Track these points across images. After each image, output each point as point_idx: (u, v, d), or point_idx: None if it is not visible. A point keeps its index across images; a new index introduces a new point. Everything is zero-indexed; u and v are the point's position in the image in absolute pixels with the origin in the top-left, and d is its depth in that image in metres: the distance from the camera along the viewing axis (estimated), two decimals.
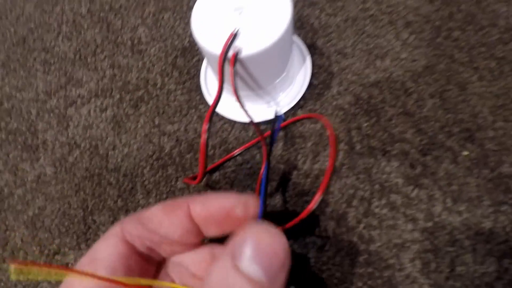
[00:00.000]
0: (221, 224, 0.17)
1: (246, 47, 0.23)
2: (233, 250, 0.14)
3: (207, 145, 0.22)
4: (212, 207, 0.16)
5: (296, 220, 0.21)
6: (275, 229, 0.14)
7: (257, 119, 0.30)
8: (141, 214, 0.17)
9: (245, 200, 0.16)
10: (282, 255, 0.13)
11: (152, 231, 0.16)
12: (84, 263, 0.15)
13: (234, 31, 0.23)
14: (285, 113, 0.30)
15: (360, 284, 0.24)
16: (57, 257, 0.29)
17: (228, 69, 0.23)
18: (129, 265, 0.16)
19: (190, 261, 0.18)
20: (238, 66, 0.24)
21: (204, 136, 0.21)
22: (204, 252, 0.18)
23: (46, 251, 0.29)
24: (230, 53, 0.22)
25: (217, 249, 0.18)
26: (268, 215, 0.27)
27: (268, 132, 0.29)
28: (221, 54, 0.22)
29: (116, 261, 0.15)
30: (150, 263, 0.18)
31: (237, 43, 0.23)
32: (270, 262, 0.13)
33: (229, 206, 0.16)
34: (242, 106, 0.24)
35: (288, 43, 0.26)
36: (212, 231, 0.17)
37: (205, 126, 0.22)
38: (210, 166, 0.29)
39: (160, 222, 0.16)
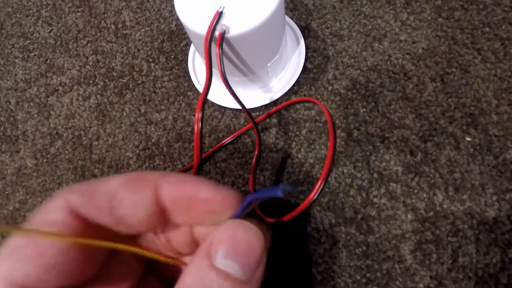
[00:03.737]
0: (192, 212, 0.15)
1: (234, 26, 0.21)
2: (208, 249, 0.13)
3: (201, 135, 0.20)
4: (186, 191, 0.14)
5: (296, 211, 0.19)
6: (250, 224, 0.13)
7: (249, 105, 0.28)
8: (95, 186, 0.14)
9: (225, 194, 0.14)
10: (259, 250, 0.13)
11: (108, 211, 0.13)
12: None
13: (220, 8, 0.21)
14: (278, 99, 0.28)
15: (358, 277, 0.23)
16: None
17: (215, 50, 0.21)
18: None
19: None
20: (226, 48, 0.22)
21: (197, 126, 0.20)
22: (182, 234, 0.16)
23: None
24: (217, 33, 0.21)
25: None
26: (261, 207, 0.26)
27: (260, 118, 0.28)
28: (207, 33, 0.20)
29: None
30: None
31: (224, 22, 0.21)
32: (247, 258, 0.13)
33: (205, 196, 0.14)
34: (231, 90, 0.22)
35: (279, 23, 0.24)
36: (180, 218, 0.15)
37: (198, 115, 0.20)
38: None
39: (120, 200, 0.13)
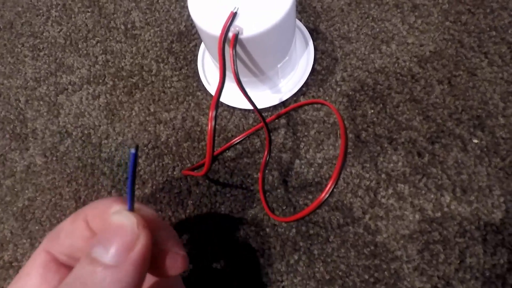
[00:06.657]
0: None
1: (247, 27, 0.21)
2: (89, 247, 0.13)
3: (214, 133, 0.20)
4: (98, 213, 0.15)
5: (306, 211, 0.19)
6: (124, 210, 0.13)
7: (258, 106, 0.28)
8: (59, 226, 0.16)
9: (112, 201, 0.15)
10: (127, 233, 0.13)
11: (61, 243, 0.15)
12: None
13: (234, 9, 0.21)
14: (287, 100, 0.29)
15: (366, 276, 0.23)
16: None
17: (228, 51, 0.22)
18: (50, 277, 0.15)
19: None
20: (238, 49, 0.23)
21: (211, 124, 0.20)
22: None
23: (37, 244, 0.28)
24: (230, 34, 0.21)
25: None
26: (270, 208, 0.26)
27: (270, 118, 0.28)
28: (221, 34, 0.21)
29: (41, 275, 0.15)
30: None
31: (237, 23, 0.21)
32: (113, 241, 0.12)
33: (104, 209, 0.14)
34: (244, 91, 0.22)
35: (290, 25, 0.24)
36: None
37: (212, 113, 0.20)
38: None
39: (67, 232, 0.15)
